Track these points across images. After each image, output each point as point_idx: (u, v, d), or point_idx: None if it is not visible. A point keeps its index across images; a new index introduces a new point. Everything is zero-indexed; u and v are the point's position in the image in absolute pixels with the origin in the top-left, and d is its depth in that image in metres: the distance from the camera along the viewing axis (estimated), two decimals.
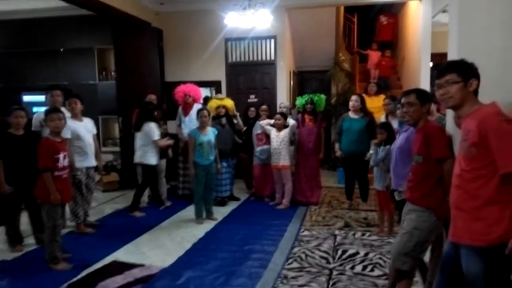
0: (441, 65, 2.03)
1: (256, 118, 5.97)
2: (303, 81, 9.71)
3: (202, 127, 4.91)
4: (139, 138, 5.19)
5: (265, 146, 5.61)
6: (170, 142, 5.46)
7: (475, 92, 1.90)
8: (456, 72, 1.90)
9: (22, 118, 3.94)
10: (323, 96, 5.78)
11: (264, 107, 5.94)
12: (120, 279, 3.35)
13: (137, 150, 5.22)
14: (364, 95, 6.38)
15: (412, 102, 2.54)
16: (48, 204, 3.54)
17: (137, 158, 5.22)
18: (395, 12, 9.51)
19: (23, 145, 3.93)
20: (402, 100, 2.61)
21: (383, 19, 9.19)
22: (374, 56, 8.77)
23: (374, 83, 7.03)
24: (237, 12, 5.18)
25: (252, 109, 6.18)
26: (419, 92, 2.59)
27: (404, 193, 2.70)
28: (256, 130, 5.77)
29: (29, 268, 3.65)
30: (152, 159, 5.16)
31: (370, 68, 8.91)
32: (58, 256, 3.62)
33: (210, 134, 4.93)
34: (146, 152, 5.14)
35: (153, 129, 5.10)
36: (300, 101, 5.68)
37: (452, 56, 2.51)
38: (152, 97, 5.87)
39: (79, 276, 3.42)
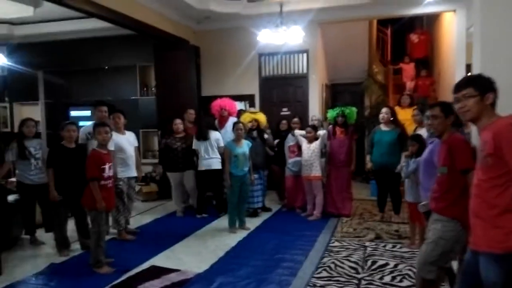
0: (459, 80, 2.12)
1: (288, 130, 6.13)
2: (336, 93, 9.76)
3: (237, 139, 5.13)
4: (204, 146, 5.62)
5: (297, 158, 5.74)
6: None
7: (492, 105, 1.97)
8: (473, 87, 1.99)
9: (74, 132, 4.31)
10: (354, 109, 5.85)
11: (295, 119, 6.10)
12: (158, 282, 3.57)
13: (203, 158, 5.62)
14: (397, 107, 6.41)
15: (437, 115, 2.61)
16: (94, 211, 3.84)
17: (207, 166, 5.64)
18: (427, 28, 9.34)
19: (73, 157, 4.29)
20: (427, 113, 2.69)
21: (414, 37, 8.90)
22: (408, 69, 8.74)
23: (407, 95, 7.02)
24: (269, 29, 5.39)
25: (284, 122, 6.35)
26: (443, 105, 2.66)
27: (429, 204, 2.76)
28: (288, 143, 5.92)
29: (75, 271, 3.96)
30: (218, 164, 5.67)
31: (406, 80, 8.87)
32: (101, 260, 3.90)
33: (245, 146, 5.14)
34: (213, 158, 5.63)
35: (219, 136, 5.68)
36: (331, 114, 5.78)
37: (475, 67, 2.58)
38: (191, 112, 6.17)
39: (120, 279, 3.67)
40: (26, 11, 6.73)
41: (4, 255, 4.08)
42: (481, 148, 1.96)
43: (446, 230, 2.51)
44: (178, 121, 5.91)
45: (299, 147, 5.74)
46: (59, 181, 4.26)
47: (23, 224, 4.77)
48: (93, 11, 5.21)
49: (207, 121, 5.95)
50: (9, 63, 7.80)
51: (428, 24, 9.33)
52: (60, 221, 4.44)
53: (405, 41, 9.84)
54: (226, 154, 5.13)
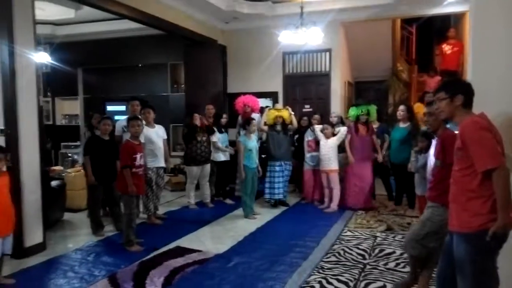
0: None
1: (308, 127, 6.40)
2: (360, 91, 9.93)
3: (249, 134, 5.54)
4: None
5: (315, 153, 6.03)
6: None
7: (465, 105, 2.21)
8: (444, 90, 2.27)
9: (108, 126, 4.80)
10: (375, 107, 6.06)
11: (316, 116, 6.38)
12: (181, 260, 3.98)
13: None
14: (418, 104, 6.56)
15: (432, 112, 2.88)
16: (126, 195, 4.29)
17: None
18: (460, 37, 8.74)
19: (107, 148, 4.78)
20: (424, 110, 2.96)
21: (447, 48, 8.08)
22: (431, 83, 8.53)
23: (431, 93, 7.10)
24: (290, 30, 5.69)
25: (305, 118, 6.63)
26: None
27: (426, 193, 3.03)
28: (307, 137, 6.20)
29: (109, 248, 4.43)
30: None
31: (429, 90, 8.78)
32: (132, 240, 4.35)
33: (255, 140, 5.63)
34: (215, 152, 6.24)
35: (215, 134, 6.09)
36: (354, 112, 5.95)
37: (468, 71, 2.82)
38: (209, 107, 6.56)
39: (148, 257, 4.11)
40: (68, 13, 7.35)
41: (47, 234, 4.60)
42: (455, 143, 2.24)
43: (435, 215, 2.80)
44: (197, 116, 6.12)
45: (317, 142, 6.01)
46: (95, 168, 4.74)
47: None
48: (127, 14, 5.68)
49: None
50: (52, 61, 8.43)
51: (456, 28, 8.82)
52: (95, 204, 4.93)
53: (433, 49, 9.25)
54: (240, 148, 5.49)
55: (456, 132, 2.51)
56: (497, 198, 2.00)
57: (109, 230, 4.99)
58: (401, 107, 5.59)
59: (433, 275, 3.09)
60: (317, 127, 6.06)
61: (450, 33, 7.87)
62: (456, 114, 2.24)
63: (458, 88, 2.24)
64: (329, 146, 5.76)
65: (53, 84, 9.67)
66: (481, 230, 2.02)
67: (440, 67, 8.54)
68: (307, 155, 6.15)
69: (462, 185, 2.14)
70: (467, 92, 2.21)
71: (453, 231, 2.20)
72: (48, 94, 9.75)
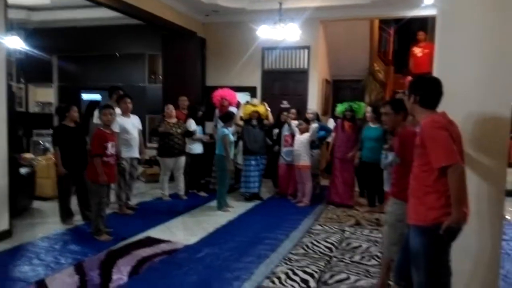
0: None
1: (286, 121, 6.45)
2: (338, 89, 10.05)
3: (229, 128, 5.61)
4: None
5: (290, 148, 6.09)
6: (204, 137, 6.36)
7: (424, 104, 2.28)
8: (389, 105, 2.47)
9: (111, 116, 4.44)
10: (363, 104, 6.16)
11: (293, 110, 6.45)
12: (150, 250, 3.98)
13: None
14: None
15: (387, 112, 3.00)
16: (96, 184, 4.25)
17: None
18: (433, 40, 8.97)
19: (75, 136, 4.73)
20: (381, 110, 3.06)
21: (417, 51, 8.02)
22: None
23: (402, 93, 7.28)
24: (268, 25, 5.72)
25: (285, 113, 6.68)
26: (393, 103, 3.08)
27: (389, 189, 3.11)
28: (284, 132, 6.26)
29: (77, 237, 4.39)
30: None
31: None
32: (101, 229, 4.32)
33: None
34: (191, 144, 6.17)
35: (191, 124, 6.07)
36: (340, 108, 6.04)
37: (436, 69, 2.90)
38: (183, 99, 6.55)
39: (117, 246, 4.09)
40: None
41: (14, 221, 4.52)
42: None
43: (400, 213, 2.85)
44: (171, 106, 6.14)
45: (292, 137, 6.08)
46: (64, 157, 4.67)
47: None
48: (104, 2, 5.59)
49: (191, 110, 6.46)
50: (26, 47, 8.22)
51: (432, 32, 9.05)
52: (65, 192, 4.86)
53: (409, 51, 9.35)
54: (226, 141, 5.52)
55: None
56: (451, 193, 2.08)
57: (78, 219, 4.93)
58: (368, 109, 5.71)
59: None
60: (294, 123, 6.12)
61: (419, 36, 7.96)
62: (415, 112, 2.32)
63: (415, 88, 2.32)
64: (300, 142, 5.83)
65: (26, 71, 9.44)
66: (435, 224, 2.11)
67: (413, 70, 8.49)
68: (283, 150, 6.21)
69: (420, 181, 2.22)
70: (425, 91, 2.28)
71: (410, 224, 2.28)
72: (22, 80, 9.52)
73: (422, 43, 8.00)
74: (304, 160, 5.81)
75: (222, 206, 5.58)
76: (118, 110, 5.14)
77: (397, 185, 2.92)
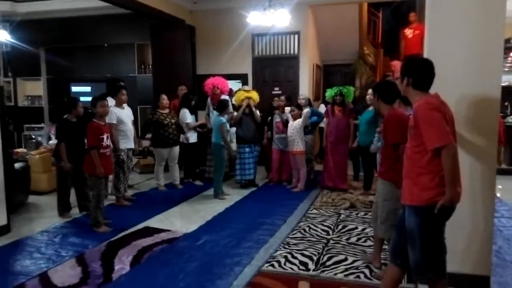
0: None
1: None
2: (329, 74, 10.09)
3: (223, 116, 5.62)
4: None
5: (282, 134, 6.13)
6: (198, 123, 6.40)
7: (417, 86, 2.30)
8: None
9: (107, 107, 4.47)
10: (352, 88, 6.19)
11: (282, 97, 6.50)
12: (150, 240, 4.03)
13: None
14: None
15: (370, 96, 3.06)
16: (94, 177, 4.26)
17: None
18: (423, 21, 8.93)
19: (76, 131, 4.71)
20: (369, 92, 3.15)
21: (408, 32, 7.86)
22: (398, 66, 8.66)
23: (389, 75, 7.29)
24: (258, 11, 5.70)
25: (276, 98, 6.72)
26: (376, 87, 3.27)
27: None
28: (276, 119, 6.30)
29: (76, 230, 4.41)
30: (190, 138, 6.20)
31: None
32: (100, 221, 4.34)
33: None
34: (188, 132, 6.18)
35: (185, 114, 6.03)
36: (330, 93, 6.08)
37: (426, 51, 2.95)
38: (182, 88, 6.52)
39: (116, 237, 4.13)
40: None
41: (12, 217, 4.51)
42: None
43: (386, 192, 2.97)
44: (165, 97, 6.11)
45: (284, 124, 6.12)
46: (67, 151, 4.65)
47: None
48: None
49: (183, 99, 6.42)
50: (12, 40, 8.08)
51: (421, 13, 9.06)
52: (64, 186, 4.86)
53: (398, 34, 9.32)
54: (223, 129, 5.54)
55: (408, 112, 2.67)
56: (445, 174, 2.15)
57: (76, 212, 4.95)
58: (369, 91, 5.72)
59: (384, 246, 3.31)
60: (287, 109, 6.15)
61: (411, 17, 7.91)
62: (408, 95, 2.37)
63: (408, 70, 2.35)
64: (294, 128, 5.87)
65: (14, 64, 9.31)
66: (430, 204, 2.17)
67: (404, 52, 8.42)
68: (275, 136, 6.26)
69: (413, 162, 2.28)
70: (418, 73, 2.31)
71: (405, 204, 2.35)
72: (9, 74, 9.39)
73: (413, 24, 8.00)
74: (298, 146, 5.86)
75: (218, 194, 5.63)
76: (111, 102, 5.13)
77: (383, 166, 3.06)
